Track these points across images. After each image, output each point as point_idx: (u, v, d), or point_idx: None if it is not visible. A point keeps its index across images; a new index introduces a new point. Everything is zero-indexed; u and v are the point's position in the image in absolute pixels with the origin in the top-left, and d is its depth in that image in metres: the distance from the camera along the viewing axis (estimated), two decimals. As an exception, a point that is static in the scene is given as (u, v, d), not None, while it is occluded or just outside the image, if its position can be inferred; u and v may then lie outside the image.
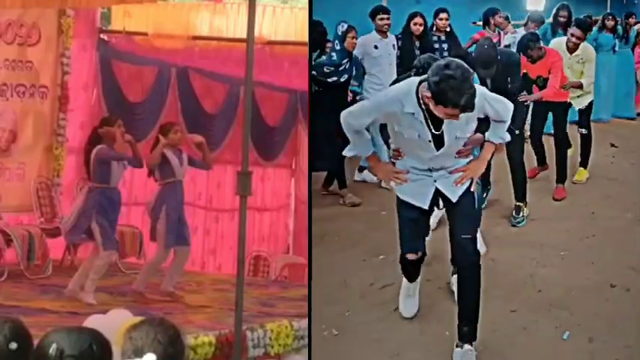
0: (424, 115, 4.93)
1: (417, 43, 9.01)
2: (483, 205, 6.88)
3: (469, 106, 4.69)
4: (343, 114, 5.24)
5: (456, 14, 9.63)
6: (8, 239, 8.74)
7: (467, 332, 5.26)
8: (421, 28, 8.90)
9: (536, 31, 9.15)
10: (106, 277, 8.06)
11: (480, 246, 5.69)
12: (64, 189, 9.97)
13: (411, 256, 5.41)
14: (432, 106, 4.81)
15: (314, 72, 8.06)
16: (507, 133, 5.32)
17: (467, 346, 5.25)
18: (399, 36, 9.08)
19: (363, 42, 8.61)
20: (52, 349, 2.63)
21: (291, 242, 11.24)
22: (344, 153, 5.58)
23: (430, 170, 5.22)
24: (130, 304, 7.30)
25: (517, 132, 7.06)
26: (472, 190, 5.25)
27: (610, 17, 10.82)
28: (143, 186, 9.44)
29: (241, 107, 8.68)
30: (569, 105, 8.38)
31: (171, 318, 3.24)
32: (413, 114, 4.92)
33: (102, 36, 10.59)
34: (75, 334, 2.68)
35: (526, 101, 7.81)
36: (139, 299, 7.84)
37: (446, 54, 9.10)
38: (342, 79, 8.15)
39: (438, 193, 5.25)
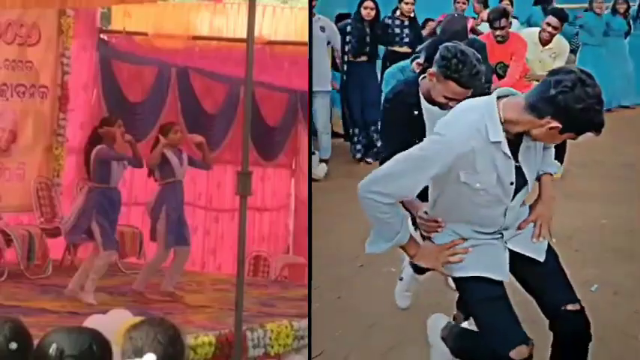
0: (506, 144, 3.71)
1: (368, 29, 9.02)
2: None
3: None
4: (369, 185, 3.73)
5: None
6: (8, 239, 8.73)
7: None
8: (372, 13, 8.87)
9: (508, 7, 8.87)
10: (106, 277, 8.05)
11: None
12: (64, 189, 9.96)
13: (522, 350, 3.79)
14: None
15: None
16: None
17: None
18: (351, 20, 9.11)
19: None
20: (52, 349, 2.64)
21: (291, 242, 11.23)
22: (368, 249, 3.96)
23: (494, 232, 3.96)
24: (130, 304, 7.29)
25: None
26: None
27: (620, 2, 10.64)
28: (143, 186, 9.43)
29: (241, 107, 8.67)
30: None
31: (171, 318, 3.24)
32: (499, 143, 3.68)
33: (102, 36, 10.59)
34: (75, 334, 2.68)
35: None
36: (139, 299, 7.84)
37: (406, 39, 9.11)
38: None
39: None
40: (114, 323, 4.59)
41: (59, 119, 9.89)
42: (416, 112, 4.70)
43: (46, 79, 9.80)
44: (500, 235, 3.95)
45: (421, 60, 5.54)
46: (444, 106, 4.49)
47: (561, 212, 4.78)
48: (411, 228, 4.28)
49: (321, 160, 9.36)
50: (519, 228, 3.98)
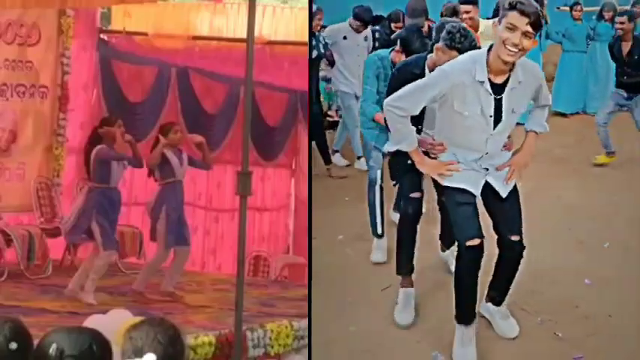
0: (490, 83, 4.86)
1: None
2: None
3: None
4: (390, 101, 5.02)
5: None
6: (8, 239, 8.74)
7: (498, 300, 5.46)
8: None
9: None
10: (106, 277, 8.05)
11: None
12: (64, 189, 9.96)
13: (472, 242, 5.02)
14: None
15: None
16: None
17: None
18: (378, 28, 9.10)
19: (332, 31, 8.79)
20: (52, 349, 2.64)
21: (291, 242, 11.23)
22: (386, 149, 5.59)
23: (479, 164, 5.08)
24: (130, 304, 7.29)
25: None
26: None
27: (607, 8, 10.72)
28: (143, 186, 9.44)
29: (241, 107, 8.67)
30: None
31: (171, 318, 3.24)
32: (482, 82, 4.82)
33: (102, 36, 10.59)
34: (75, 334, 2.68)
35: None
36: (139, 299, 7.84)
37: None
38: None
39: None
40: (114, 323, 4.58)
41: (59, 119, 9.90)
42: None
43: (46, 79, 9.80)
44: (485, 169, 5.07)
45: (398, 48, 6.32)
46: None
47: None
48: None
49: (335, 151, 9.39)
50: (498, 169, 5.09)
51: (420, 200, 5.89)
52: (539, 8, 4.68)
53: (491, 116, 4.89)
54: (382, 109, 5.33)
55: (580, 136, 9.54)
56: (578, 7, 10.76)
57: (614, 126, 9.06)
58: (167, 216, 7.85)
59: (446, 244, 6.35)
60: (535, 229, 5.79)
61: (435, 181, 5.36)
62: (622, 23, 9.20)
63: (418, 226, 5.90)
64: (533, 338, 5.49)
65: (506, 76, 4.86)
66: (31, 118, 9.69)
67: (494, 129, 4.95)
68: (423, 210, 6.02)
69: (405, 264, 5.88)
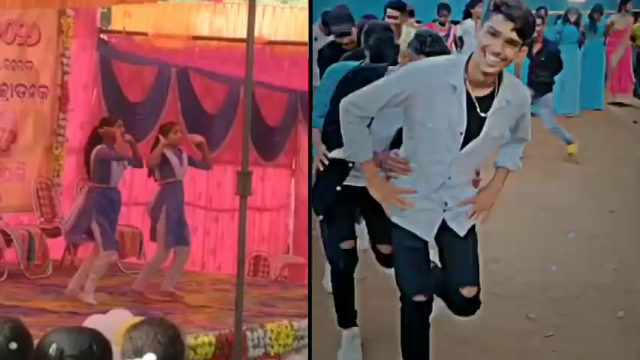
0: (466, 94, 4.08)
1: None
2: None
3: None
4: (347, 98, 4.24)
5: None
6: (8, 239, 8.74)
7: None
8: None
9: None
10: (106, 277, 8.06)
11: None
12: (64, 189, 9.96)
13: (419, 297, 4.37)
14: (492, 23, 4.00)
15: None
16: None
17: None
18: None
19: None
20: (52, 349, 2.64)
21: (291, 242, 11.23)
22: (332, 155, 4.64)
23: (439, 196, 4.29)
24: (130, 304, 7.30)
25: None
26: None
27: (571, 11, 11.21)
28: (143, 186, 9.44)
29: (241, 107, 8.67)
30: None
31: (171, 318, 3.24)
32: (455, 88, 4.05)
33: (102, 36, 10.59)
34: (75, 334, 2.68)
35: None
36: (139, 299, 7.84)
37: None
38: None
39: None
40: (114, 323, 4.59)
41: (59, 119, 9.89)
42: None
43: (46, 79, 9.80)
44: (439, 202, 4.28)
45: (367, 60, 5.42)
46: None
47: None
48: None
49: None
50: (459, 206, 4.32)
51: (353, 251, 5.02)
52: (529, 13, 3.96)
53: (461, 133, 4.13)
54: (326, 124, 4.79)
55: (545, 134, 9.70)
56: (543, 11, 11.06)
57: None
58: (167, 216, 7.85)
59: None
60: (505, 221, 6.17)
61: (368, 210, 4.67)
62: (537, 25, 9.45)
63: (355, 274, 5.14)
64: (506, 319, 5.75)
65: (489, 90, 4.11)
66: (31, 118, 9.69)
67: (461, 149, 4.17)
68: (358, 254, 5.14)
69: (346, 318, 5.23)
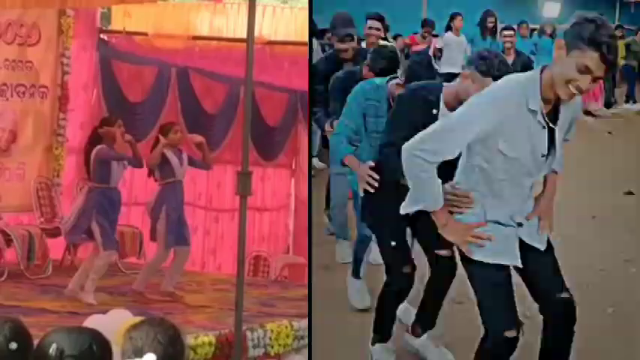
0: (542, 114, 3.87)
1: None
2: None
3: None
4: (414, 143, 3.89)
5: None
6: (8, 239, 8.74)
7: None
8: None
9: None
10: (106, 277, 8.05)
11: None
12: (64, 189, 9.97)
13: (510, 333, 4.09)
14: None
15: None
16: None
17: None
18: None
19: None
20: (52, 349, 2.64)
21: (291, 242, 11.23)
22: (402, 210, 4.14)
23: (512, 218, 4.09)
24: (130, 304, 7.29)
25: None
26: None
27: (547, 25, 11.89)
28: (143, 186, 9.44)
29: (241, 107, 8.67)
30: None
31: (171, 318, 3.24)
32: (535, 113, 3.84)
33: (102, 36, 10.60)
34: (75, 334, 2.68)
35: None
36: (139, 299, 7.84)
37: None
38: None
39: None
40: (114, 323, 4.59)
41: (59, 119, 9.90)
42: (434, 111, 4.79)
43: (46, 79, 9.80)
44: (512, 223, 4.07)
45: (401, 81, 5.46)
46: None
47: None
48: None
49: None
50: (527, 219, 4.12)
51: (411, 276, 5.09)
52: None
53: (543, 155, 3.94)
54: (358, 149, 4.91)
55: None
56: (524, 25, 11.57)
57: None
58: (167, 216, 7.85)
59: (422, 327, 5.37)
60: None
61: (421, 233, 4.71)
62: (510, 37, 9.96)
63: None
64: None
65: (552, 104, 3.92)
66: (31, 118, 9.69)
67: (538, 174, 4.05)
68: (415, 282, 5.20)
69: (382, 336, 5.31)
